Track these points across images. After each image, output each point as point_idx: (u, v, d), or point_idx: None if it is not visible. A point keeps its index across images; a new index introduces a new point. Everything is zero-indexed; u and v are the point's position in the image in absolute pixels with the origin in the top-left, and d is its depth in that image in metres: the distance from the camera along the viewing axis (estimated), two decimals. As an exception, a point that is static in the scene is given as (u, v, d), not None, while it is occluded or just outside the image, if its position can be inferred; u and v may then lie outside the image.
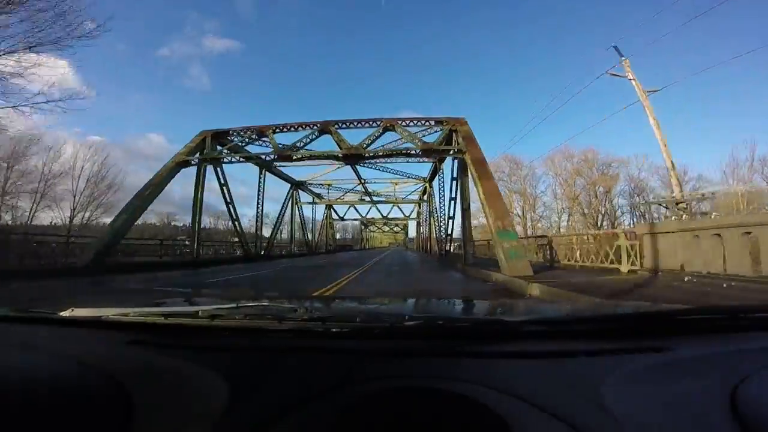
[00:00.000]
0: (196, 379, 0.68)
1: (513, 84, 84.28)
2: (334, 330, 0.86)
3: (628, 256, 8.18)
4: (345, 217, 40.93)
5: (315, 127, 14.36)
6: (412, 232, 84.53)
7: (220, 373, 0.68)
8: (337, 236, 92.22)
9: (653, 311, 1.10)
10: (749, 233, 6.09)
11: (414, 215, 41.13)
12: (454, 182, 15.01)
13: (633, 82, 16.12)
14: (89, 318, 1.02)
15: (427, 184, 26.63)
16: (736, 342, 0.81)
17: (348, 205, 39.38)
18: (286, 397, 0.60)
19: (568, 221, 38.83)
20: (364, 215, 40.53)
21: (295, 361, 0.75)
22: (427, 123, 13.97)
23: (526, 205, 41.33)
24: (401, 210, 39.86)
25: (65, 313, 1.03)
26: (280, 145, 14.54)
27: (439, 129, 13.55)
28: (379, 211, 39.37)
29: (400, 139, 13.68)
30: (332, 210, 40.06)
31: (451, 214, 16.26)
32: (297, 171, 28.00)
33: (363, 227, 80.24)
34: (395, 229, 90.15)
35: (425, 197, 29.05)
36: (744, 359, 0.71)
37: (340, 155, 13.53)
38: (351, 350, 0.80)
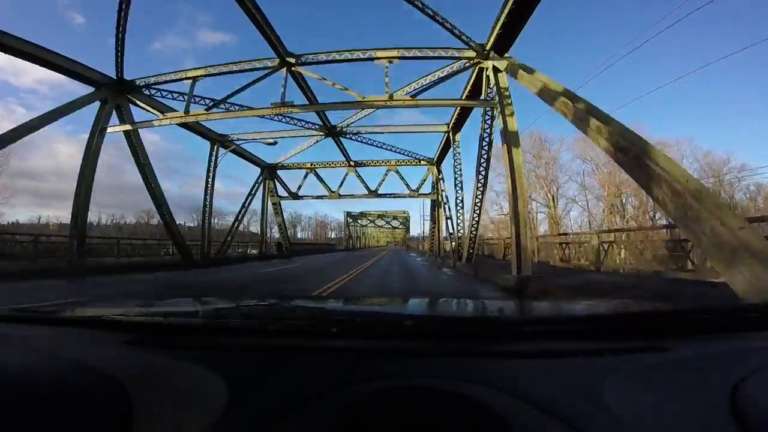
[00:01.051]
0: (196, 379, 0.67)
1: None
2: (333, 329, 0.86)
3: None
4: (302, 194, 21.96)
5: None
6: (415, 230, 66.33)
7: (220, 373, 0.67)
8: (331, 235, 76.28)
9: (653, 311, 1.09)
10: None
11: (426, 188, 21.74)
12: None
13: None
14: (89, 318, 1.07)
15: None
16: (736, 342, 0.81)
17: (306, 171, 20.68)
18: (286, 397, 0.60)
19: (603, 217, 30.33)
20: (337, 188, 21.41)
21: (295, 360, 0.74)
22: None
23: (549, 194, 32.65)
24: (403, 179, 20.80)
25: (65, 313, 1.07)
26: None
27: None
28: (363, 182, 20.62)
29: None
30: (277, 182, 21.19)
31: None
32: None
33: (350, 220, 61.35)
34: (393, 223, 71.66)
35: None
36: (744, 359, 0.71)
37: None
38: (351, 350, 0.78)
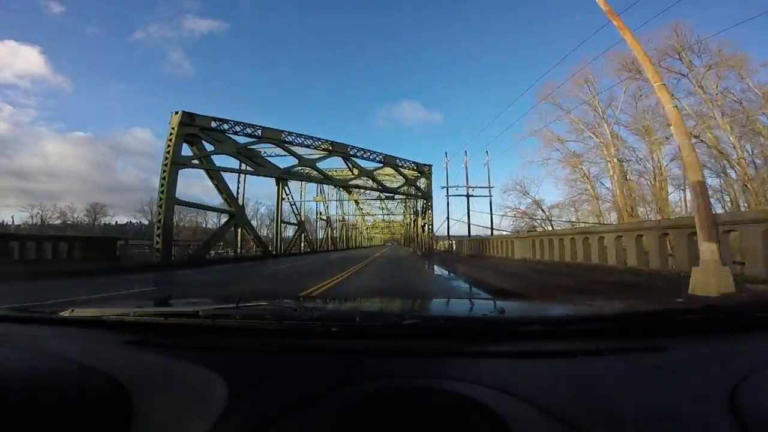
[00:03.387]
0: (196, 379, 0.67)
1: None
2: (333, 330, 0.86)
3: None
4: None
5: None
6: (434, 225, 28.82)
7: (220, 373, 0.67)
8: (327, 235, 40.14)
9: (653, 311, 1.08)
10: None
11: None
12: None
13: None
14: (89, 318, 1.05)
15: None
16: (736, 342, 0.81)
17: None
18: (286, 397, 0.60)
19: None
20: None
21: (294, 361, 0.75)
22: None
23: (732, 137, 18.27)
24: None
25: (65, 313, 1.04)
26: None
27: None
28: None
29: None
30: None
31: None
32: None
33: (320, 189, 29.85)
34: (385, 181, 23.50)
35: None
36: (744, 359, 0.71)
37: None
38: (350, 350, 0.79)
